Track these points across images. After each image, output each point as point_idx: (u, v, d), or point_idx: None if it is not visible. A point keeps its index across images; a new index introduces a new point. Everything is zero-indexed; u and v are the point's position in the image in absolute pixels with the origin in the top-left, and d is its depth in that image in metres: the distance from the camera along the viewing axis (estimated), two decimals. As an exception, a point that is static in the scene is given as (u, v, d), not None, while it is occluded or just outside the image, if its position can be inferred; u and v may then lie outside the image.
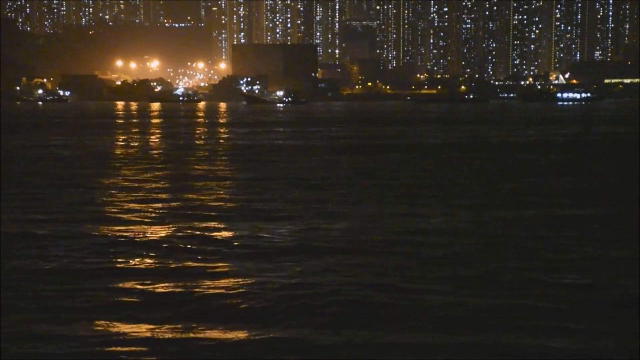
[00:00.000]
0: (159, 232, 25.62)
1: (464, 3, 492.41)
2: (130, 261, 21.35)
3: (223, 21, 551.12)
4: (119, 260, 21.42)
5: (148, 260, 21.36)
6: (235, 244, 23.64)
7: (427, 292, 17.83)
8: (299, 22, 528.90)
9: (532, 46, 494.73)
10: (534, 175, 43.54)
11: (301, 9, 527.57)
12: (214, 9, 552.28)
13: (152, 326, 15.58)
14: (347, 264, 20.82)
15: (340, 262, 21.00)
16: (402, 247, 22.90)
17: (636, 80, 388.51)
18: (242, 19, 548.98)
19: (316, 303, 16.97)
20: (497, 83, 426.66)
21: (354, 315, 16.21)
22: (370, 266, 20.46)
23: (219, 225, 26.84)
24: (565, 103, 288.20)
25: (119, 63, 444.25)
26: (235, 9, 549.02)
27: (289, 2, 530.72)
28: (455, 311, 16.41)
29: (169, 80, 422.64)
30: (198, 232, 25.37)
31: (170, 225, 26.72)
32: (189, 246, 23.22)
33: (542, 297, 17.46)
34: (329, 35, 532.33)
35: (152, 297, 17.73)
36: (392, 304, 16.99)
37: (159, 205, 31.75)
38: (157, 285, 18.68)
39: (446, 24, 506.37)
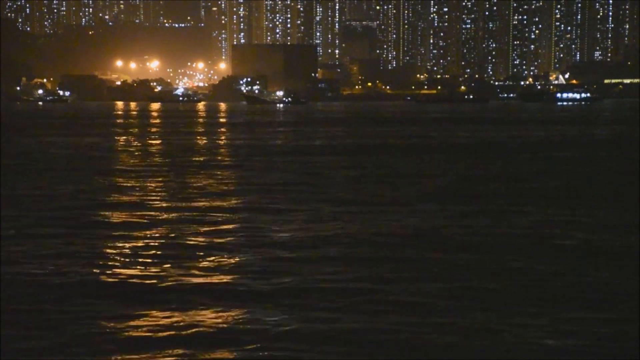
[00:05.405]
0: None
1: (464, 3, 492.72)
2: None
3: (223, 21, 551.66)
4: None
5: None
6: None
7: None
8: (299, 22, 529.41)
9: (532, 46, 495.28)
10: None
11: (301, 9, 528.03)
12: (214, 9, 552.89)
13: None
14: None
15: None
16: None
17: (636, 80, 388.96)
18: (242, 19, 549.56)
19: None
20: (497, 83, 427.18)
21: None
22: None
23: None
24: (565, 103, 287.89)
25: (119, 63, 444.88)
26: (235, 9, 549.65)
27: (289, 2, 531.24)
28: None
29: (168, 81, 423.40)
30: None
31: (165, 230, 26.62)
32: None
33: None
34: (329, 35, 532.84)
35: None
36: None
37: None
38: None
39: (446, 24, 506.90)
